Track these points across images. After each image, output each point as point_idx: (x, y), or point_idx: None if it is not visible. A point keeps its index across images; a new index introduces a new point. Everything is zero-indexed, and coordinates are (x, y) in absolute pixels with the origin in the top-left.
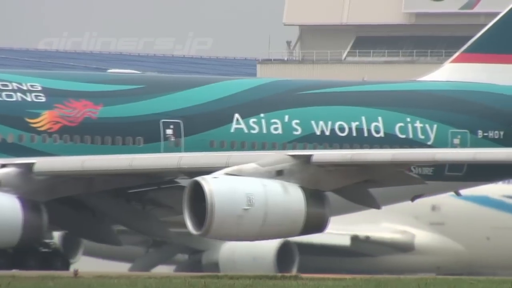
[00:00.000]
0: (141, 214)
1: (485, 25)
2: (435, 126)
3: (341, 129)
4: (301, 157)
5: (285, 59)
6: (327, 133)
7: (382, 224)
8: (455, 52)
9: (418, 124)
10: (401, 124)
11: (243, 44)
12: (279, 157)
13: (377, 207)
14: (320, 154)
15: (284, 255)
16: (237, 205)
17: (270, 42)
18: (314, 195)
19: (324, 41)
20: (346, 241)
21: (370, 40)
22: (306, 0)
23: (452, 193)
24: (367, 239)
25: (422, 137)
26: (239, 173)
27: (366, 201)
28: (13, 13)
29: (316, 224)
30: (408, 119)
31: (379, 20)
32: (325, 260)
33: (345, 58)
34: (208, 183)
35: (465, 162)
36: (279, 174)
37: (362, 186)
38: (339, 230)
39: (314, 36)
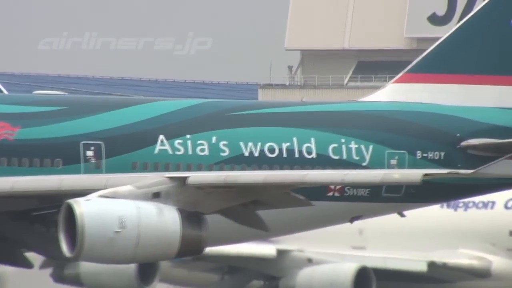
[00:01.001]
0: (45, 237)
1: None
2: (371, 147)
3: (271, 150)
4: (177, 179)
5: (287, 84)
6: (256, 154)
7: (459, 250)
8: None
9: (353, 145)
10: (335, 145)
11: (244, 61)
12: (156, 179)
13: (265, 229)
14: (196, 176)
15: (362, 281)
16: (108, 227)
17: (271, 67)
18: (191, 218)
19: (325, 66)
20: (423, 267)
21: (371, 65)
22: (307, 25)
23: None
24: (444, 265)
25: (357, 158)
26: (114, 195)
27: (253, 223)
28: (13, 13)
29: (192, 246)
30: (343, 140)
31: (381, 45)
32: (402, 286)
33: (346, 83)
34: (79, 205)
35: (334, 184)
36: (156, 196)
37: (249, 208)
38: (416, 256)
39: (315, 61)
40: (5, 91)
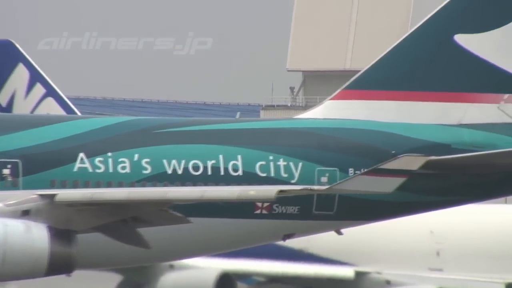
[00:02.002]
0: None
1: None
2: (300, 164)
3: (195, 168)
4: (46, 196)
5: (289, 105)
6: (180, 172)
7: None
8: None
9: (281, 162)
10: (263, 162)
11: (246, 85)
12: (26, 196)
13: (146, 246)
14: (64, 194)
15: None
16: None
17: (273, 88)
18: (60, 235)
19: (327, 87)
20: None
21: None
22: (309, 46)
23: None
24: None
25: (286, 175)
26: None
27: (133, 241)
28: (13, 13)
29: (62, 264)
30: (271, 157)
31: None
32: None
33: None
34: None
35: (194, 201)
36: (25, 214)
37: (129, 225)
38: (494, 278)
39: (317, 82)
40: (78, 113)
